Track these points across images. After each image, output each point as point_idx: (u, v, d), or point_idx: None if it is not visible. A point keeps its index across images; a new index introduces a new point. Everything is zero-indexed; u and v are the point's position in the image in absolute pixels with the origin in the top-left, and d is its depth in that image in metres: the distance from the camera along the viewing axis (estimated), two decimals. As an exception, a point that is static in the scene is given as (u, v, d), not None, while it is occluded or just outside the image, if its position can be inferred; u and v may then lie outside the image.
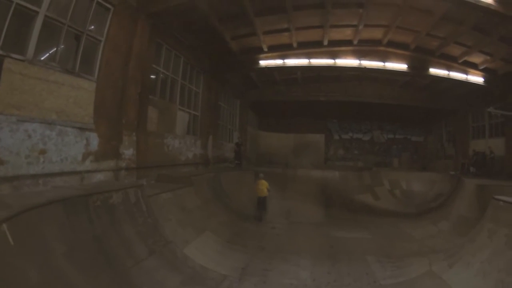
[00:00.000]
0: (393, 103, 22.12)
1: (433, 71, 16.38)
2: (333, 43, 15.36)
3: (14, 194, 6.23)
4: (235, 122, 20.96)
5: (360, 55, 15.91)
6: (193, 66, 14.25)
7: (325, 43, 15.17)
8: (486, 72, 16.60)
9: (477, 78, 16.65)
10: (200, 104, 15.05)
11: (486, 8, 10.29)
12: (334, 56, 15.86)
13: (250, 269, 7.93)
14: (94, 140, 8.34)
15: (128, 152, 9.38)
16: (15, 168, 6.41)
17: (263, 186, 13.07)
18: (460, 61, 16.08)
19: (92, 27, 8.38)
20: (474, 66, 16.48)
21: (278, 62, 16.00)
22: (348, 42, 15.45)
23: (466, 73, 16.46)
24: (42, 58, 7.34)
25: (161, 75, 11.81)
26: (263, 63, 16.07)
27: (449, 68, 16.34)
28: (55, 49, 7.57)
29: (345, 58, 15.95)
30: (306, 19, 13.26)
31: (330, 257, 9.13)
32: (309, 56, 15.81)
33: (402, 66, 16.20)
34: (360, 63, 15.99)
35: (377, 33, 14.85)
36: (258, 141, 24.80)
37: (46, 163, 7.02)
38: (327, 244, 10.47)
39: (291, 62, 15.99)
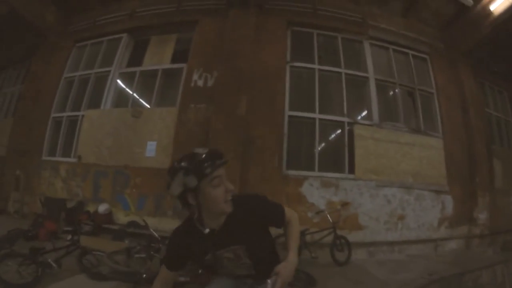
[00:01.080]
0: None
1: None
2: None
3: (371, 260, 5.51)
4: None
5: None
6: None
7: None
8: None
9: None
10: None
11: None
12: None
13: None
14: (449, 204, 6.67)
15: (482, 216, 7.07)
16: (373, 233, 5.81)
17: None
18: None
19: (419, 80, 7.31)
20: None
21: None
22: None
23: None
24: (387, 121, 6.63)
25: (494, 118, 9.13)
26: None
27: None
28: (395, 109, 6.85)
29: None
30: None
31: None
32: None
33: None
34: None
35: None
36: None
37: (404, 230, 6.04)
38: None
39: None
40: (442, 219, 6.53)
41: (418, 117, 6.88)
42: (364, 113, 6.72)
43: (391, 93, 7.00)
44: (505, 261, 6.03)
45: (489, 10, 7.38)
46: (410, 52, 7.45)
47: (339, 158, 6.11)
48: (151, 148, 6.33)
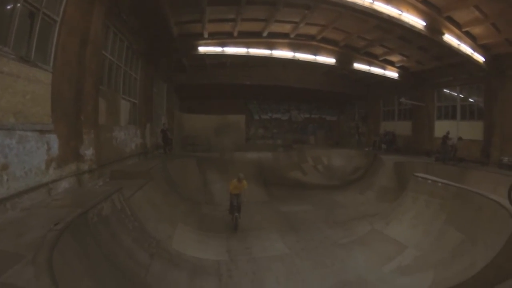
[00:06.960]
0: (314, 88, 23.39)
1: (356, 66, 17.98)
2: (272, 35, 15.57)
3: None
4: (163, 107, 19.36)
5: (295, 48, 16.46)
6: (134, 51, 12.85)
7: (264, 34, 15.31)
8: (401, 69, 19.13)
9: (392, 74, 19.07)
10: (138, 91, 13.55)
11: (417, 32, 11.72)
12: (271, 47, 16.09)
13: (234, 250, 8.37)
14: (55, 143, 7.01)
15: (88, 152, 8.15)
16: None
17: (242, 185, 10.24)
18: (381, 59, 18.31)
19: (48, 2, 6.59)
20: (392, 63, 18.90)
21: (218, 49, 15.51)
22: (285, 35, 15.86)
23: (384, 68, 18.76)
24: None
25: (108, 61, 10.13)
26: (202, 49, 15.38)
27: (370, 64, 18.31)
28: (8, 29, 5.58)
29: (281, 49, 16.33)
30: (254, 12, 13.14)
31: (291, 229, 10.19)
32: (247, 45, 15.70)
33: (331, 60, 17.38)
34: (294, 55, 16.56)
35: (313, 30, 15.61)
36: (182, 123, 23.50)
37: (11, 181, 5.53)
38: (282, 218, 11.36)
39: (230, 50, 15.66)
40: (49, 160, 6.75)
41: (31, 45, 6.31)
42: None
43: (12, 6, 5.63)
44: (119, 189, 7.37)
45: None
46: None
47: None
48: None
